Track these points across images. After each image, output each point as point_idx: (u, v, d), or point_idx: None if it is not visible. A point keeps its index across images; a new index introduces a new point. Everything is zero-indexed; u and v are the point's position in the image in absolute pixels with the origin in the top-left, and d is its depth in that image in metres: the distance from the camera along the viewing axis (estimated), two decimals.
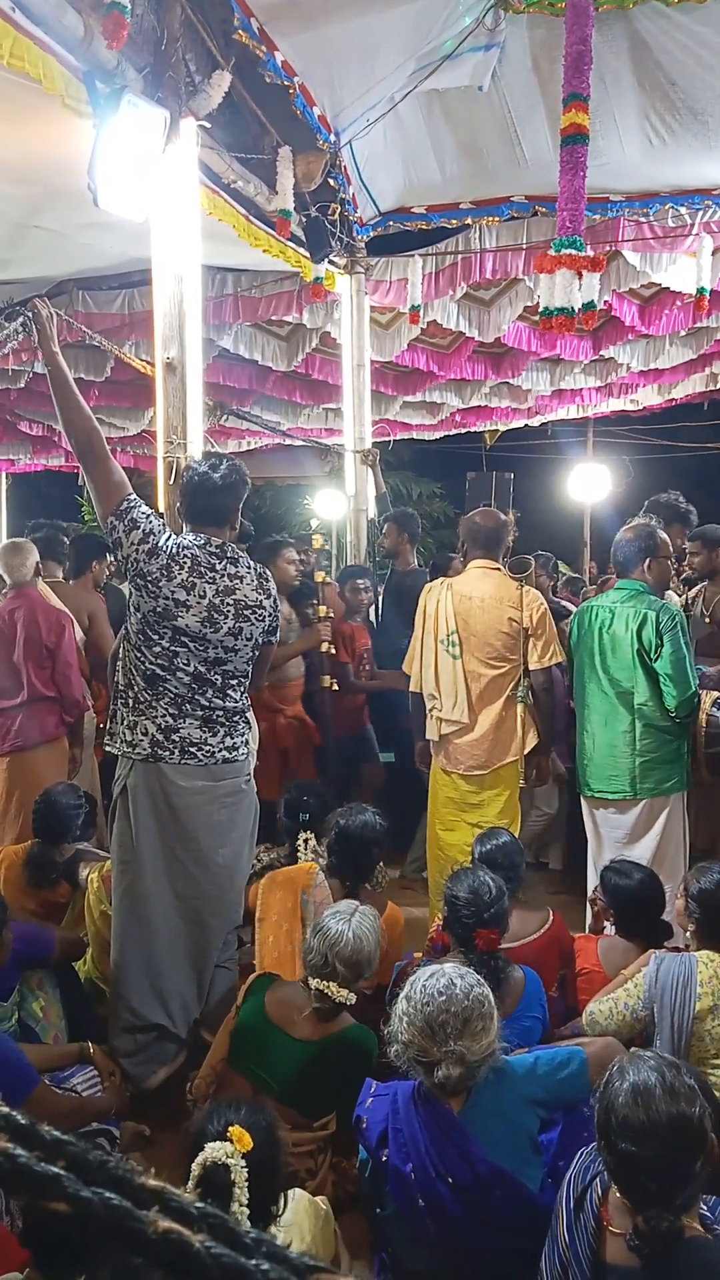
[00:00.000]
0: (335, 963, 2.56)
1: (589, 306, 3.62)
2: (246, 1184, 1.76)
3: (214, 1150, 1.77)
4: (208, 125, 3.51)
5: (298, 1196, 2.12)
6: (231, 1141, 1.79)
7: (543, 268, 3.63)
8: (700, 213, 5.35)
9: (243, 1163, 1.77)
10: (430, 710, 4.11)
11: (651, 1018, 2.64)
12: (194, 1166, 1.78)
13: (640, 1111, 1.61)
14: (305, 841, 3.56)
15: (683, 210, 5.35)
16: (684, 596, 5.24)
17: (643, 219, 5.40)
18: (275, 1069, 2.58)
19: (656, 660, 3.72)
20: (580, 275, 3.62)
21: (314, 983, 2.58)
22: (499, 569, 4.10)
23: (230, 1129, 1.81)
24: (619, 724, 3.80)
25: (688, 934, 2.82)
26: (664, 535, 4.01)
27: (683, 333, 7.31)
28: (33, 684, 4.48)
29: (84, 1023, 3.08)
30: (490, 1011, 2.08)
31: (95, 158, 2.98)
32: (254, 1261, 0.46)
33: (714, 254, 5.46)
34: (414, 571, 5.57)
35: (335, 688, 4.82)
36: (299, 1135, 2.49)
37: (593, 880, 3.90)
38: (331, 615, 4.75)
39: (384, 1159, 2.11)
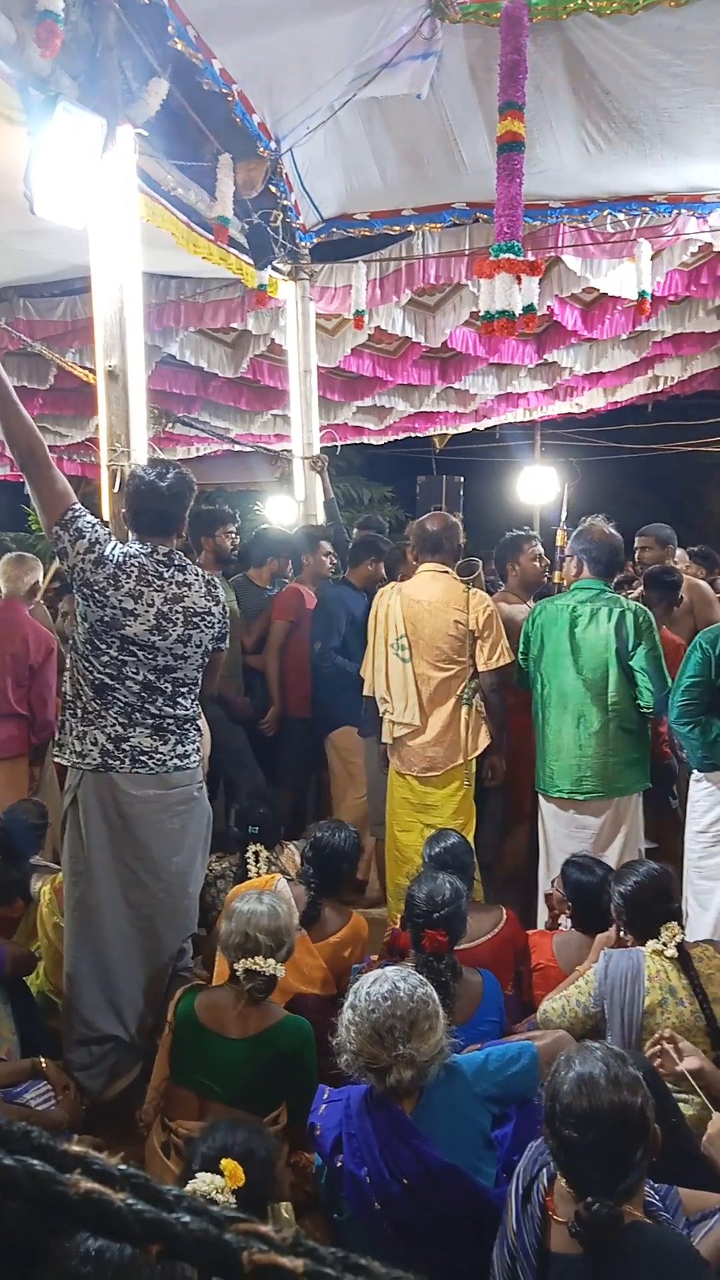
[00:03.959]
0: (257, 934, 2.59)
1: (528, 309, 3.67)
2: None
3: (203, 1183, 1.73)
4: (145, 133, 3.50)
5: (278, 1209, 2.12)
6: (223, 1175, 1.76)
7: (482, 272, 3.69)
8: (638, 218, 5.45)
9: (232, 1199, 1.74)
10: (383, 714, 4.14)
11: (603, 1013, 2.68)
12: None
13: (584, 1100, 1.65)
14: (256, 853, 3.56)
15: (621, 216, 5.45)
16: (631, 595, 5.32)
17: (582, 225, 5.49)
18: (217, 1073, 2.58)
19: (633, 657, 3.77)
20: (519, 279, 3.68)
21: (241, 965, 2.59)
22: (448, 572, 4.13)
23: (224, 1161, 1.78)
24: (592, 723, 3.82)
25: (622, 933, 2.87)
26: None
27: (624, 336, 7.43)
28: (5, 699, 4.43)
29: (37, 1037, 3.04)
30: (436, 1010, 2.09)
31: (31, 165, 2.97)
32: (175, 1215, 0.47)
33: (652, 259, 5.56)
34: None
35: None
36: None
37: (544, 878, 3.95)
38: None
39: (339, 1165, 2.11)
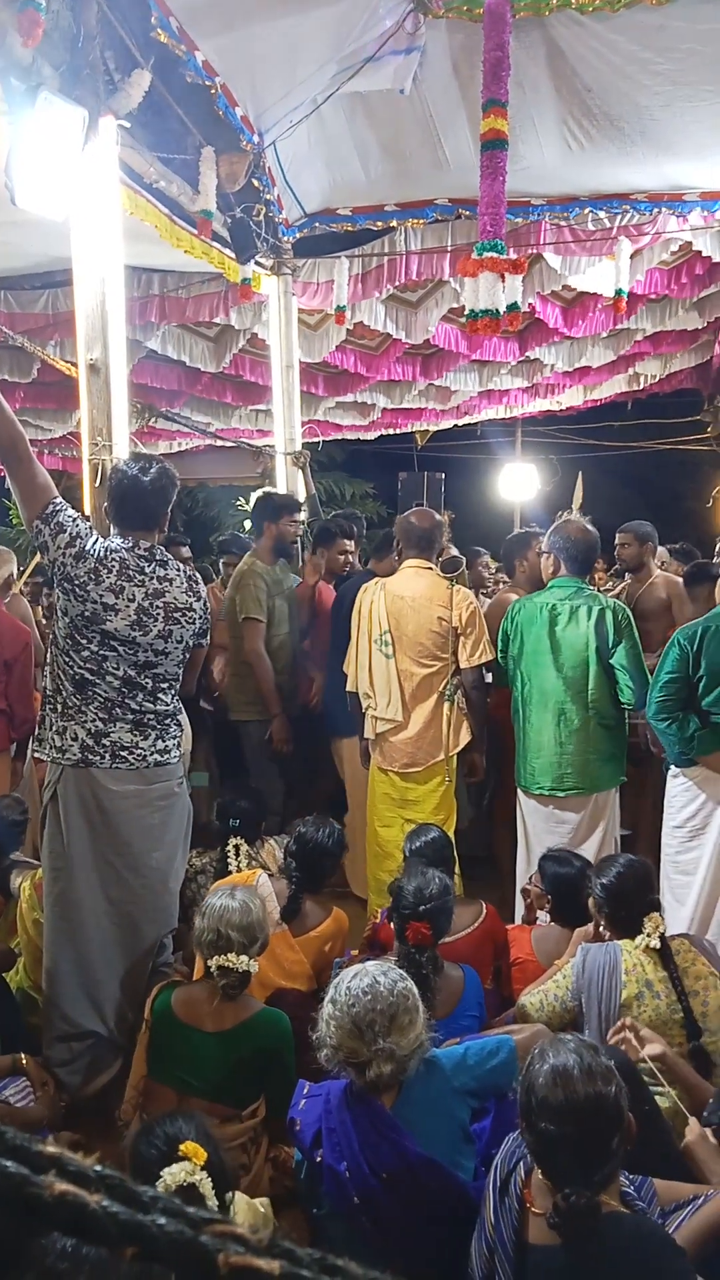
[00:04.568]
0: (228, 932, 2.60)
1: (512, 308, 3.68)
2: (213, 1192, 1.76)
3: (176, 1174, 1.75)
4: (128, 124, 3.47)
5: (235, 1199, 2.12)
6: (188, 1159, 1.78)
7: (466, 271, 3.69)
8: (619, 216, 5.47)
9: (205, 1175, 1.76)
10: (366, 709, 4.14)
11: (580, 1007, 2.70)
12: None
13: (559, 1092, 1.66)
14: (236, 848, 3.56)
15: (602, 214, 5.46)
16: (610, 590, 5.36)
17: (563, 223, 5.50)
18: (196, 1068, 2.59)
19: (613, 655, 3.79)
20: (503, 278, 3.69)
21: (214, 961, 2.60)
22: (431, 569, 4.15)
23: (182, 1146, 1.80)
24: (572, 720, 3.84)
25: (601, 927, 2.90)
26: None
27: (604, 334, 7.46)
28: None
29: (16, 1034, 3.03)
30: (416, 1004, 2.10)
31: (12, 156, 2.94)
32: (150, 1217, 0.47)
33: (632, 257, 5.58)
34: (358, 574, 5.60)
35: None
36: (230, 1129, 2.50)
37: (524, 873, 3.97)
38: None
39: (318, 1159, 2.12)
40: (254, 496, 5.20)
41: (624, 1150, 1.69)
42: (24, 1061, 2.84)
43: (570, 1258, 1.66)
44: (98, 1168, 0.49)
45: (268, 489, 5.47)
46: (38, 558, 6.17)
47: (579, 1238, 1.64)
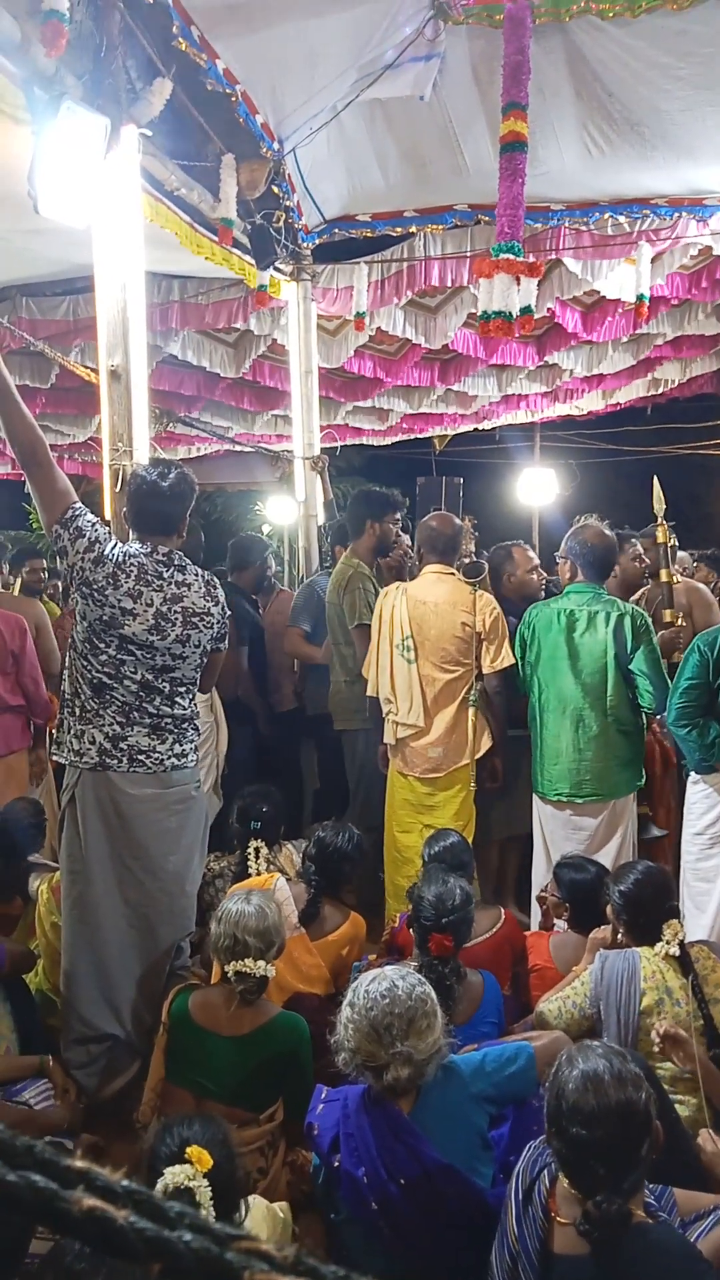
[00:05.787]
0: (245, 937, 2.60)
1: (526, 311, 3.68)
2: (211, 1202, 1.75)
3: (175, 1174, 1.75)
4: (149, 133, 3.50)
5: (254, 1203, 2.12)
6: (191, 1163, 1.78)
7: (481, 272, 3.70)
8: (639, 221, 5.46)
9: (205, 1182, 1.76)
10: (387, 714, 4.14)
11: (599, 1015, 2.68)
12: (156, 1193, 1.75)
13: (590, 1097, 1.65)
14: (256, 850, 3.56)
15: (622, 219, 5.45)
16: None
17: (583, 228, 5.49)
18: (213, 1072, 2.59)
19: (632, 660, 3.77)
20: (518, 280, 3.69)
21: (231, 967, 2.60)
22: (453, 574, 4.14)
23: (188, 1149, 1.80)
24: (591, 727, 3.81)
25: (619, 935, 2.88)
26: None
27: (624, 339, 7.45)
28: None
29: (35, 1035, 3.05)
30: (434, 1009, 2.09)
31: (35, 164, 2.97)
32: (177, 1234, 0.47)
33: (652, 262, 5.56)
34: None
35: None
36: (248, 1133, 2.50)
37: (540, 880, 3.95)
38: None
39: (336, 1164, 2.12)
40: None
41: (651, 1157, 1.68)
42: (52, 1065, 2.85)
43: (597, 1268, 1.64)
44: (125, 1182, 0.49)
45: (373, 489, 5.24)
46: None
47: (609, 1246, 1.63)
